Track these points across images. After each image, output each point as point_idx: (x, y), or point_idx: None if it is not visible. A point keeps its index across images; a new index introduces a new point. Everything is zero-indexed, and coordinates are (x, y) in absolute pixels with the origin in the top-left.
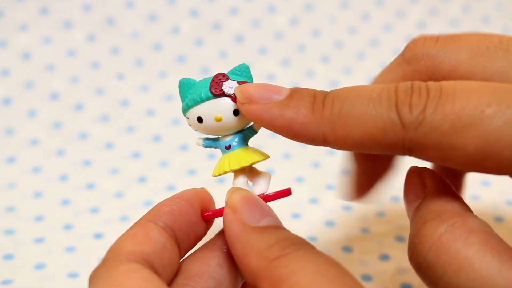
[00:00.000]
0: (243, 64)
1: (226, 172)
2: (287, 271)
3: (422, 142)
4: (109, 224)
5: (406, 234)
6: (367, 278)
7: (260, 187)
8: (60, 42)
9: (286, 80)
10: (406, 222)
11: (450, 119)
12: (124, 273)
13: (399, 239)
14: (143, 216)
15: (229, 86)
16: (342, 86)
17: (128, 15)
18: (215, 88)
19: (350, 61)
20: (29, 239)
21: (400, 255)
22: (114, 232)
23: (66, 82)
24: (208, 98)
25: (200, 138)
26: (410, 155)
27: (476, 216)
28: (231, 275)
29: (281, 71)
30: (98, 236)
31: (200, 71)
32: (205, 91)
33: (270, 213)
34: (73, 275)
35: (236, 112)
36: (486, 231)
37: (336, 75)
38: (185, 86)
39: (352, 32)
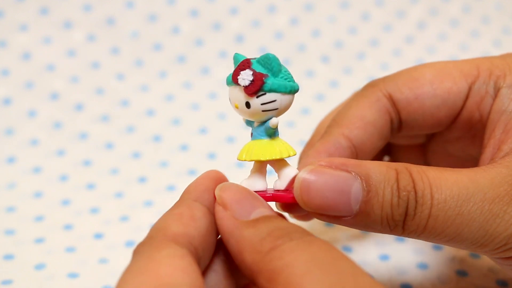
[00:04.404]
0: (268, 54)
1: (253, 160)
2: (281, 263)
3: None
4: (109, 224)
5: None
6: None
7: (279, 183)
8: (60, 42)
9: None
10: None
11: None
12: (165, 258)
13: (399, 239)
14: (185, 195)
15: (242, 77)
16: (342, 86)
17: (128, 15)
18: (235, 75)
19: (350, 61)
20: (29, 239)
21: (400, 255)
22: (114, 232)
23: (66, 82)
24: (230, 84)
25: None
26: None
27: None
28: (226, 282)
29: None
30: (98, 236)
31: (200, 71)
32: (230, 75)
33: (261, 204)
34: (73, 275)
35: (247, 105)
36: None
37: (336, 75)
38: (235, 62)
39: (352, 32)
